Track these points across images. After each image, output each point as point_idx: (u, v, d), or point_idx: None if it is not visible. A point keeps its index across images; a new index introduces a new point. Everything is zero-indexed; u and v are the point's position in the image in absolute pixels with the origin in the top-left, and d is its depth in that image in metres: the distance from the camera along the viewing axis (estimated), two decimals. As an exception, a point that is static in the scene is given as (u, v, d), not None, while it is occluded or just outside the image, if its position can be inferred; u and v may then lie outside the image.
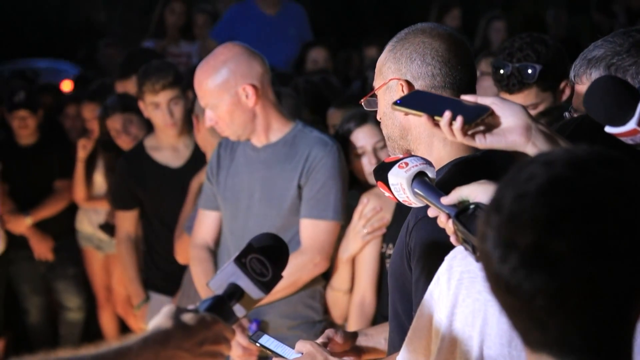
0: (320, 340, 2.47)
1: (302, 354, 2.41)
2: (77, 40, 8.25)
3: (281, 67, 6.15)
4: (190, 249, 3.79)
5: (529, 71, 3.33)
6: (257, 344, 2.50)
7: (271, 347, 2.46)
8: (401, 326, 2.26)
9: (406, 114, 2.13)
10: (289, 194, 3.50)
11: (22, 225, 5.87)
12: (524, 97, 3.37)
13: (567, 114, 2.18)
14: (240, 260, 1.90)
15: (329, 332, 2.52)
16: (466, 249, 1.80)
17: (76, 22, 9.59)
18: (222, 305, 1.85)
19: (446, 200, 1.85)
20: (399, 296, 2.33)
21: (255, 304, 1.92)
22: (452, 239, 1.84)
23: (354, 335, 2.58)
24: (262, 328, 3.49)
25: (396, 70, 2.29)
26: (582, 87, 2.16)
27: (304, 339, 2.49)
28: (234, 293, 1.88)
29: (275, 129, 3.54)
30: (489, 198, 1.75)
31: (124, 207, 4.86)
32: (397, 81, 2.27)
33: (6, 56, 8.50)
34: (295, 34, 7.13)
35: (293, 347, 2.46)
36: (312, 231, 3.50)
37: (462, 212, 1.79)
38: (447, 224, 1.84)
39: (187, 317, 1.75)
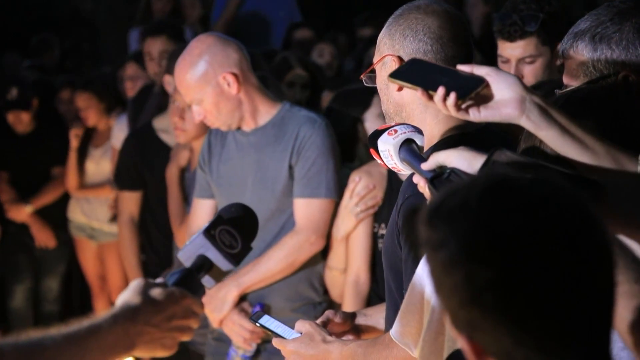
0: (319, 320, 2.49)
1: (301, 333, 2.43)
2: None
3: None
4: (187, 238, 3.78)
5: (532, 19, 3.36)
6: (257, 324, 2.51)
7: (271, 327, 2.48)
8: (395, 304, 2.29)
9: (401, 87, 2.15)
10: (281, 176, 3.49)
11: (23, 213, 5.87)
12: (524, 47, 3.41)
13: (557, 91, 2.19)
14: (209, 232, 1.90)
15: (328, 312, 2.54)
16: None
17: (62, 11, 9.55)
18: (191, 278, 1.85)
19: (425, 165, 1.88)
20: (392, 275, 2.36)
21: (225, 275, 1.92)
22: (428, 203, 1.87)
23: (353, 315, 2.60)
24: (265, 311, 3.50)
25: (391, 46, 2.32)
26: (570, 62, 2.17)
27: (306, 320, 2.51)
28: (203, 265, 1.88)
29: (262, 112, 3.53)
30: (464, 163, 1.79)
31: (129, 187, 4.77)
32: (391, 57, 2.30)
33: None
34: (285, 16, 7.12)
35: (293, 327, 2.48)
36: (306, 210, 3.49)
37: (437, 177, 1.81)
38: (425, 189, 1.87)
39: (156, 292, 1.76)
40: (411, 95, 2.22)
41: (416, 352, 2.09)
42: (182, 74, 3.46)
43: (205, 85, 3.43)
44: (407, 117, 2.32)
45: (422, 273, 2.01)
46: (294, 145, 3.48)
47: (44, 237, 5.95)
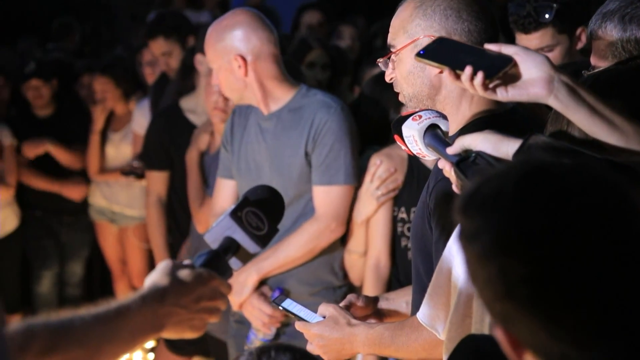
0: (342, 304, 2.49)
1: (325, 317, 2.43)
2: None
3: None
4: (210, 219, 3.79)
5: (546, 10, 3.32)
6: (280, 307, 2.51)
7: (294, 311, 2.48)
8: (423, 287, 2.27)
9: (442, 69, 2.12)
10: (298, 162, 3.48)
11: (42, 148, 5.87)
12: (540, 38, 3.36)
13: (584, 72, 2.17)
14: (236, 214, 1.89)
15: (351, 296, 2.54)
16: None
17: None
18: (218, 260, 1.85)
19: (451, 150, 1.87)
20: (421, 258, 2.34)
21: (251, 257, 1.92)
22: (454, 187, 1.86)
23: (375, 299, 2.60)
24: (285, 295, 3.50)
25: (428, 27, 2.26)
26: (598, 43, 2.15)
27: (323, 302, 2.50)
28: (230, 247, 1.88)
29: (276, 98, 3.51)
30: (489, 147, 1.77)
31: (157, 166, 4.78)
32: (430, 38, 2.20)
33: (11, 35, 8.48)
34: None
35: (314, 310, 2.48)
36: (325, 197, 3.48)
37: (463, 161, 1.81)
38: (450, 173, 1.86)
39: (184, 274, 1.76)
40: (451, 77, 2.20)
41: (443, 335, 2.09)
42: (208, 39, 3.51)
43: (219, 58, 3.46)
44: (442, 99, 2.28)
45: (449, 255, 2.00)
46: (310, 132, 3.46)
47: (67, 159, 5.94)
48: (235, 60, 3.43)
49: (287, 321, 3.44)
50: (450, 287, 2.02)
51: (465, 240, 1.28)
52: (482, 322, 1.91)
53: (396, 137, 2.09)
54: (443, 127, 2.03)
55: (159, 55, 5.39)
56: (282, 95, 3.52)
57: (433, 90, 2.28)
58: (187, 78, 4.82)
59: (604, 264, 1.21)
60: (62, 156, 5.90)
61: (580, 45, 3.36)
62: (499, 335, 1.29)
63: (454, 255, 1.98)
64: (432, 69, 2.24)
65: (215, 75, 3.52)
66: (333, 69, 4.64)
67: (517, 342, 1.27)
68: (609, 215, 1.22)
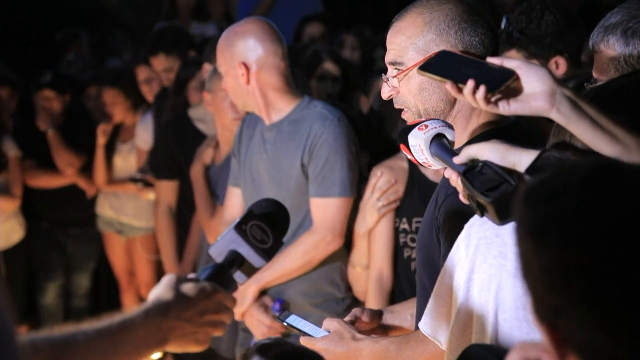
0: (347, 318, 2.48)
1: (330, 332, 2.42)
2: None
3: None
4: (220, 226, 3.81)
5: (512, 34, 3.33)
6: (285, 324, 2.51)
7: (299, 327, 2.48)
8: (428, 299, 2.27)
9: (430, 79, 2.11)
10: (294, 174, 3.49)
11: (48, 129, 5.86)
12: (514, 56, 3.35)
13: (586, 85, 2.17)
14: (240, 227, 1.89)
15: (355, 311, 2.53)
16: (471, 205, 1.81)
17: (87, 6, 9.58)
18: (223, 274, 1.85)
19: (457, 159, 1.87)
20: (427, 271, 2.33)
21: (256, 271, 1.91)
22: (461, 197, 1.86)
23: (380, 313, 2.59)
24: (285, 306, 3.52)
25: (444, 41, 2.24)
26: (600, 56, 2.15)
27: (327, 316, 2.50)
28: (235, 260, 1.88)
29: (277, 109, 3.53)
30: (496, 156, 1.76)
31: (166, 176, 4.80)
32: None
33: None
34: (308, 10, 7.10)
35: (317, 324, 2.47)
36: (321, 210, 3.49)
37: (470, 170, 1.81)
38: (457, 182, 1.86)
39: (187, 287, 1.76)
40: None
41: (444, 345, 2.09)
42: (219, 44, 3.56)
43: (227, 63, 3.51)
44: (456, 114, 2.29)
45: (451, 265, 2.00)
46: (306, 144, 3.47)
47: (65, 159, 5.94)
48: (239, 67, 3.46)
49: (288, 332, 3.44)
50: (451, 297, 2.03)
51: (526, 232, 1.24)
52: (482, 332, 1.91)
53: (402, 146, 2.09)
54: (449, 137, 2.03)
55: (161, 71, 5.42)
56: (284, 107, 3.54)
57: (448, 106, 2.29)
58: (180, 93, 4.86)
59: None
60: (60, 151, 5.88)
61: (558, 73, 3.34)
62: (543, 334, 1.24)
63: (455, 265, 1.98)
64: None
65: (224, 80, 3.56)
66: (344, 81, 4.65)
67: (563, 341, 1.22)
68: None
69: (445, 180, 2.21)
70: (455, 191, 2.00)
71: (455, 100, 2.26)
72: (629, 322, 1.17)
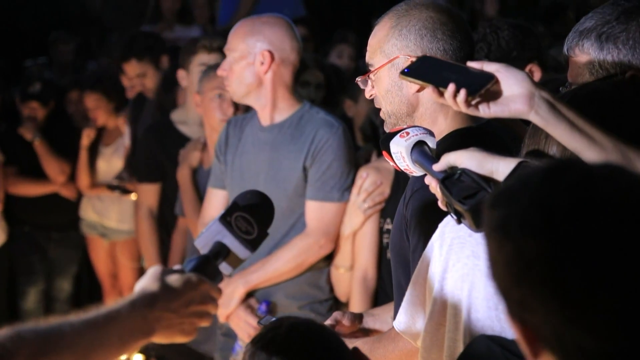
0: (328, 322, 2.51)
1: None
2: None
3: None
4: (199, 229, 3.81)
5: (480, 53, 3.39)
6: None
7: None
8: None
9: (422, 87, 2.15)
10: (294, 176, 3.52)
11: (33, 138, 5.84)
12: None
13: (562, 89, 2.20)
14: (225, 219, 1.91)
15: (336, 314, 2.55)
16: (449, 212, 1.84)
17: (70, 9, 9.56)
18: (208, 265, 1.87)
19: (437, 167, 1.90)
20: (401, 269, 2.38)
21: (241, 262, 1.93)
22: (439, 203, 1.89)
23: (361, 316, 2.62)
24: (271, 308, 3.53)
25: (403, 47, 2.33)
26: (575, 60, 2.17)
27: (312, 318, 2.51)
28: (220, 252, 1.90)
29: (280, 109, 3.56)
30: (474, 164, 1.79)
31: (148, 179, 4.80)
32: (407, 57, 2.31)
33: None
34: (289, 14, 7.10)
35: None
36: (317, 213, 3.52)
37: (448, 178, 1.84)
38: (436, 190, 1.89)
39: (173, 279, 1.78)
40: (428, 94, 2.23)
41: (418, 343, 2.11)
42: (239, 29, 3.54)
43: (247, 48, 3.47)
44: (420, 116, 2.35)
45: (425, 263, 2.03)
46: (310, 148, 3.51)
47: (52, 163, 5.91)
48: (262, 55, 3.47)
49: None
50: (425, 295, 2.05)
51: (491, 232, 1.27)
52: (455, 331, 1.94)
53: (384, 153, 2.12)
54: (430, 144, 2.06)
55: (134, 77, 5.44)
56: (286, 108, 3.57)
57: (411, 108, 2.36)
58: (169, 92, 4.86)
59: (628, 244, 1.17)
60: (48, 159, 5.88)
61: (535, 79, 3.36)
62: (515, 331, 1.26)
63: (428, 265, 2.01)
64: (410, 88, 2.31)
65: (227, 64, 3.52)
66: (328, 88, 4.66)
67: (534, 338, 1.24)
68: (634, 199, 1.20)
69: (412, 179, 2.27)
70: (420, 188, 2.03)
71: (418, 103, 2.34)
72: (590, 307, 1.18)
